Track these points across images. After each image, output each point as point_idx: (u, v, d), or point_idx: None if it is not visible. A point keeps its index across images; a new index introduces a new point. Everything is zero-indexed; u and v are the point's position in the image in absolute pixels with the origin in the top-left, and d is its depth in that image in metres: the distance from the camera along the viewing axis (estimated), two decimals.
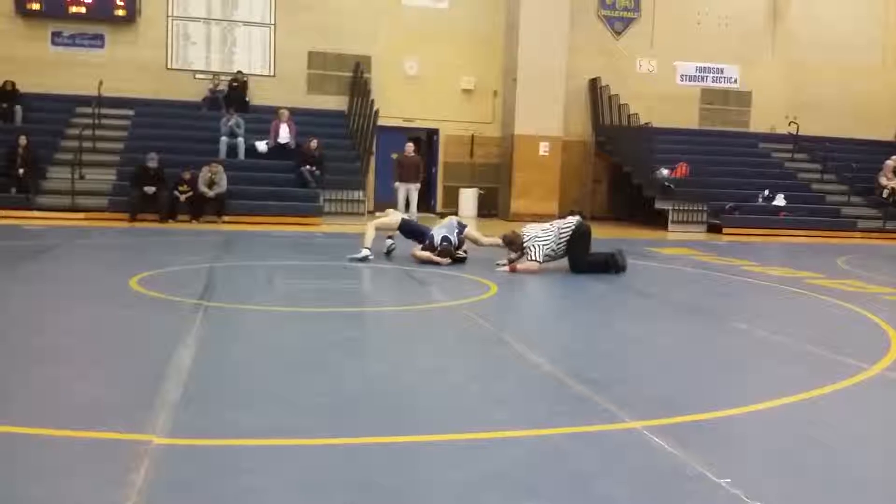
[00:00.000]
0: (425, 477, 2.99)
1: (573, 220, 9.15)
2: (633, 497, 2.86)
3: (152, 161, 14.59)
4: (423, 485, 2.91)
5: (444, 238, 9.21)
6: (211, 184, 14.82)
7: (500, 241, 9.22)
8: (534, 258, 8.71)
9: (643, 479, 3.03)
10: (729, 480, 2.95)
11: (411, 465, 3.10)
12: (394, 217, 10.04)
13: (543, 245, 8.74)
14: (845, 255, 12.90)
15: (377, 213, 13.28)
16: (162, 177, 14.59)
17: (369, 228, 9.69)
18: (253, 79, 18.68)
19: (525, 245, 8.84)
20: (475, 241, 9.57)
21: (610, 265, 8.94)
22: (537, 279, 8.55)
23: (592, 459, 3.24)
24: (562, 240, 8.84)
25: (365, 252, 9.30)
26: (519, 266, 8.77)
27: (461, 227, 9.50)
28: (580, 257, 8.93)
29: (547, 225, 9.10)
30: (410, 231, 9.77)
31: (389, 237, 9.90)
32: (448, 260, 9.11)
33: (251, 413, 3.61)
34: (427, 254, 9.18)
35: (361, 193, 16.45)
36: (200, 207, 14.74)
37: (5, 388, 3.96)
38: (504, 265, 8.85)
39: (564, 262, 9.04)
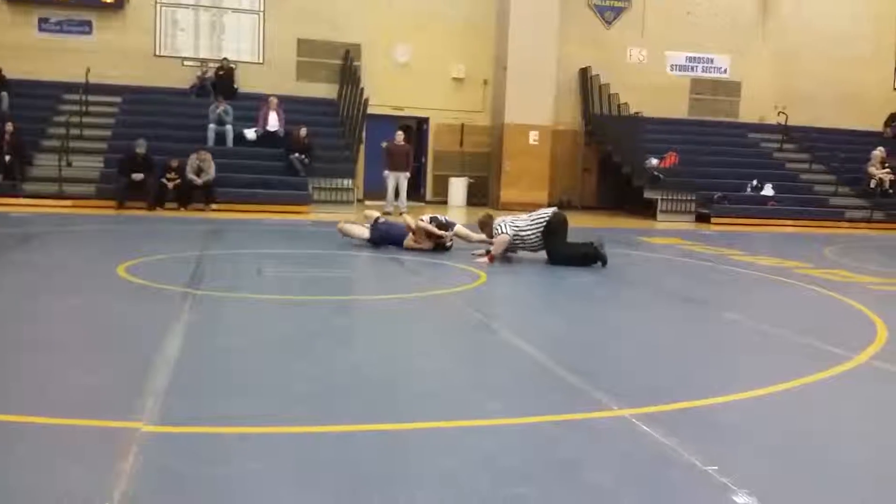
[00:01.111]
0: (416, 464, 3.00)
1: (548, 210, 9.14)
2: (620, 484, 2.87)
3: (141, 147, 14.49)
4: (414, 471, 2.92)
5: (433, 218, 9.53)
6: (199, 171, 14.74)
7: (487, 237, 9.16)
8: (503, 232, 8.69)
9: (631, 466, 3.04)
10: (716, 468, 2.96)
11: (402, 452, 3.10)
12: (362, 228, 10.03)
13: (511, 225, 8.75)
14: (833, 245, 12.97)
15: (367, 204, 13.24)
16: (150, 164, 14.51)
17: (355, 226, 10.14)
18: (242, 66, 18.56)
19: (494, 226, 8.88)
20: (466, 238, 9.51)
21: (591, 258, 8.70)
22: (527, 269, 8.56)
23: (581, 447, 3.25)
24: (535, 227, 8.70)
25: (375, 214, 10.17)
26: (493, 250, 8.68)
27: (450, 223, 9.59)
28: (558, 249, 8.77)
29: (518, 215, 9.16)
30: (384, 239, 9.58)
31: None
32: (434, 227, 9.29)
33: (240, 400, 3.60)
34: (412, 220, 9.55)
35: (350, 182, 16.39)
36: (188, 195, 14.66)
37: None
38: (482, 256, 8.72)
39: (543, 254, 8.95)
